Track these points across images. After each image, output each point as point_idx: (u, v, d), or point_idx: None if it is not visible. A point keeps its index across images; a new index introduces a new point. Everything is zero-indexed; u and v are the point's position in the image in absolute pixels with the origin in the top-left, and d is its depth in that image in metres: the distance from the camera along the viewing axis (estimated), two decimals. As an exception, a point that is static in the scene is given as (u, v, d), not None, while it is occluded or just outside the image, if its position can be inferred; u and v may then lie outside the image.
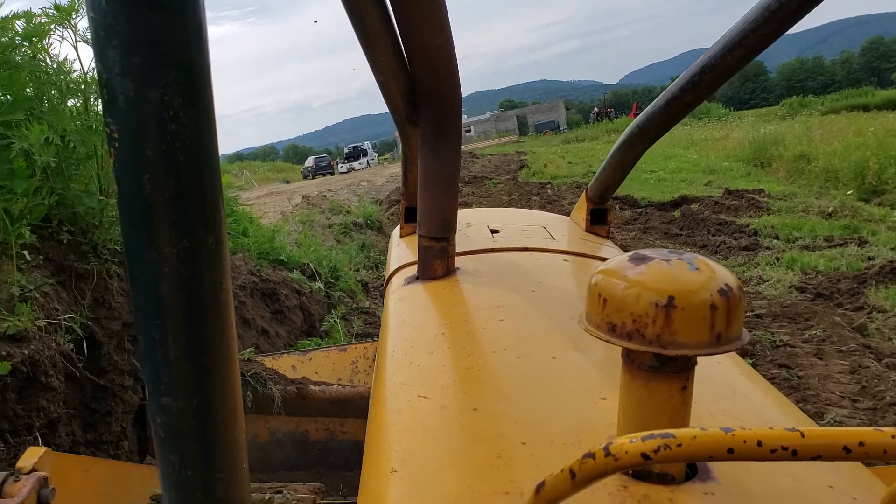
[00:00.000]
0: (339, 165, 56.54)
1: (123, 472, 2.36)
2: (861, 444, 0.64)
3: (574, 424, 1.05)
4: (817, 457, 0.65)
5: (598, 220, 2.94)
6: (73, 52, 3.66)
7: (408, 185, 2.62)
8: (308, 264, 6.19)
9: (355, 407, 3.27)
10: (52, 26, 3.15)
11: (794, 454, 0.65)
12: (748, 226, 10.50)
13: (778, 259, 8.47)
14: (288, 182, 43.95)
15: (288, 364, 3.85)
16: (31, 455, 1.73)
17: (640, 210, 13.37)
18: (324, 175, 49.61)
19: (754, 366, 4.98)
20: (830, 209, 11.32)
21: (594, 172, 2.89)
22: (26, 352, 2.53)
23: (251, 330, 4.97)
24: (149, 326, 0.61)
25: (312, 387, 3.42)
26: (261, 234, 6.10)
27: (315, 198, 14.74)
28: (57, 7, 3.14)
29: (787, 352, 5.44)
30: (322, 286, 5.95)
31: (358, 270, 7.47)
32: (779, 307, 6.53)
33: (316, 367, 3.81)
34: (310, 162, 56.37)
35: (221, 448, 0.69)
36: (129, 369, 3.38)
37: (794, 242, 9.37)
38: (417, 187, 2.07)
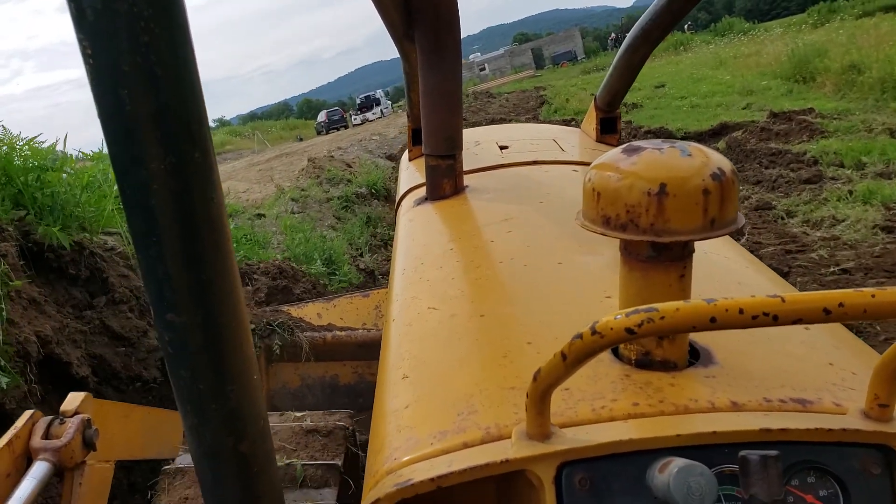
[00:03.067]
0: (353, 117, 54.90)
1: (161, 417, 2.38)
2: (841, 304, 0.66)
3: (579, 322, 0.92)
4: (798, 320, 0.67)
5: (608, 129, 2.88)
6: None
7: (412, 105, 2.56)
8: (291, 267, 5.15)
9: (380, 349, 3.09)
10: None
11: (775, 319, 0.67)
12: (805, 153, 9.20)
13: (851, 193, 7.25)
14: (301, 139, 42.87)
15: (313, 312, 3.90)
16: (74, 400, 1.77)
17: (676, 143, 12.08)
18: (337, 129, 48.23)
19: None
20: (899, 126, 9.91)
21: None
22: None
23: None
24: (146, 244, 0.60)
25: (339, 332, 3.50)
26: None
27: (322, 159, 13.70)
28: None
29: None
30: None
31: (361, 255, 6.37)
32: (869, 258, 5.43)
33: (340, 313, 3.88)
34: (322, 117, 54.66)
35: (230, 360, 0.68)
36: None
37: (864, 170, 8.10)
38: (420, 107, 2.02)
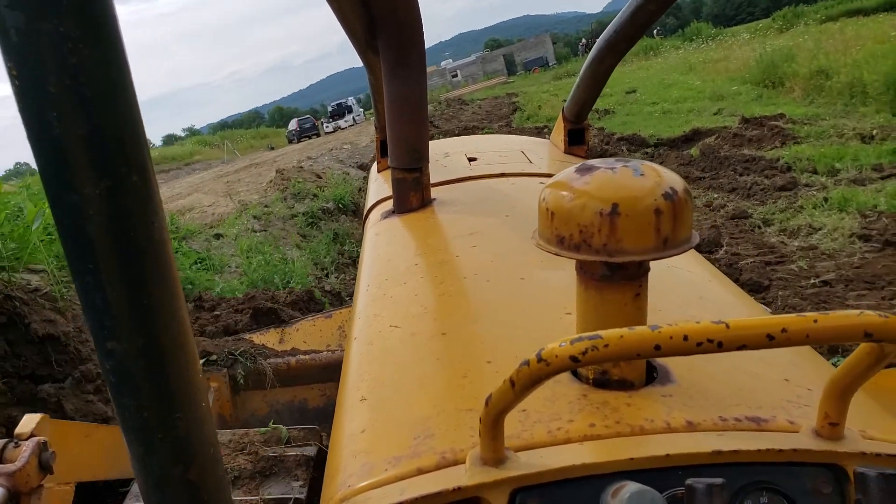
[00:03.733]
0: (325, 125, 54.36)
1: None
2: (783, 330, 0.67)
3: (539, 340, 0.91)
4: (742, 346, 0.68)
5: (576, 141, 2.88)
6: None
7: (379, 116, 2.57)
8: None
9: None
10: None
11: (719, 346, 0.67)
12: (779, 160, 9.15)
13: (826, 200, 7.18)
14: (273, 148, 42.27)
15: (275, 338, 3.84)
16: (29, 422, 1.74)
17: (650, 150, 12.01)
18: (309, 137, 47.69)
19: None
20: (870, 131, 9.92)
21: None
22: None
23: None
24: (82, 270, 0.58)
25: (302, 356, 3.45)
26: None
27: (291, 170, 13.37)
28: None
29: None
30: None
31: (327, 275, 5.98)
32: (849, 268, 5.31)
33: (304, 336, 3.83)
34: (293, 125, 53.91)
35: (175, 387, 0.66)
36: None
37: (837, 176, 8.06)
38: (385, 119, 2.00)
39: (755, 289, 5.13)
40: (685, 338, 0.67)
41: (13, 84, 0.53)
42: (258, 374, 3.36)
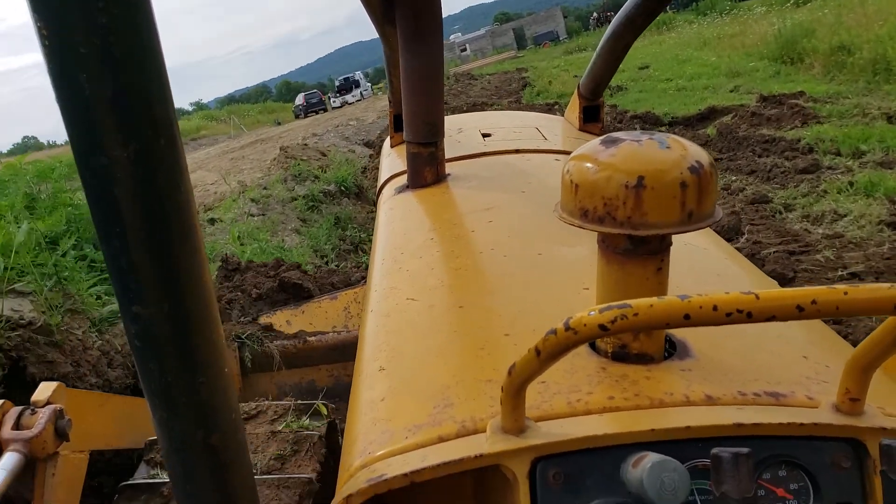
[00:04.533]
0: (332, 100, 53.79)
1: (137, 406, 2.31)
2: (813, 301, 0.66)
3: (557, 314, 0.95)
4: (772, 317, 0.67)
5: (591, 118, 2.86)
6: None
7: (393, 90, 2.53)
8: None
9: (354, 350, 3.14)
10: None
11: (748, 316, 0.67)
12: (800, 140, 8.76)
13: (851, 184, 6.83)
14: (279, 123, 41.88)
15: (282, 319, 3.82)
16: (45, 389, 1.75)
17: (664, 129, 11.62)
18: (316, 112, 47.19)
19: None
20: (896, 110, 9.51)
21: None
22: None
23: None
24: (109, 234, 0.58)
25: (310, 338, 3.48)
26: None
27: (295, 148, 13.07)
28: None
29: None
30: None
31: (327, 263, 5.61)
32: (879, 259, 5.01)
33: (310, 318, 3.83)
34: (300, 100, 53.30)
35: (199, 351, 0.66)
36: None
37: (863, 158, 7.68)
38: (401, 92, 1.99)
39: (779, 281, 4.85)
40: (714, 308, 0.67)
41: (43, 44, 0.52)
42: (266, 356, 3.41)
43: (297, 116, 48.58)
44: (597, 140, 0.95)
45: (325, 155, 13.17)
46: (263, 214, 6.82)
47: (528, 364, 0.76)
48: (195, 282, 0.63)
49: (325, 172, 9.17)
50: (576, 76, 23.41)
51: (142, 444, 2.26)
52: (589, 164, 0.92)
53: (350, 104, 45.86)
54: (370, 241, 7.33)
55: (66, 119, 0.54)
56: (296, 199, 7.42)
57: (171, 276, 0.61)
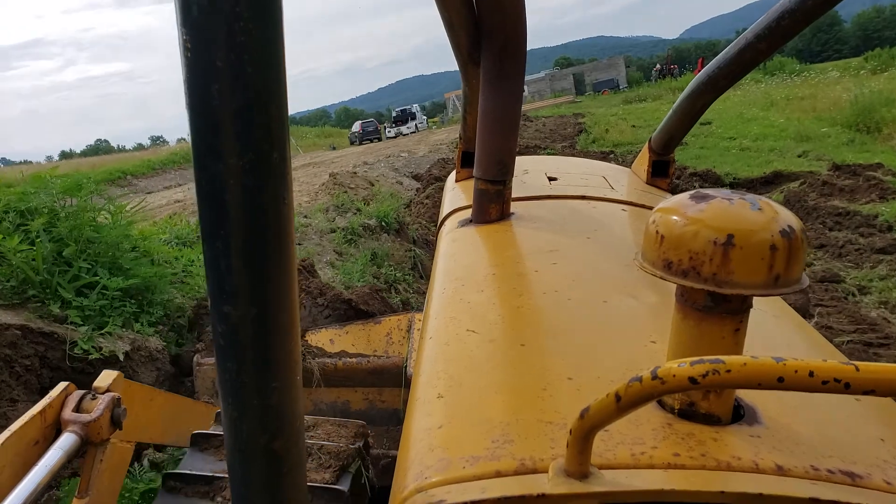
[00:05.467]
0: (387, 130, 54.51)
1: (181, 406, 2.39)
2: None
3: (622, 363, 1.02)
4: (871, 391, 0.64)
5: (659, 173, 2.87)
6: None
7: (466, 129, 2.63)
8: None
9: (392, 376, 3.38)
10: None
11: (846, 387, 0.64)
12: (877, 216, 8.14)
13: (937, 272, 6.22)
14: (334, 148, 42.51)
15: (326, 338, 3.88)
16: (106, 377, 1.83)
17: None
18: (371, 141, 47.83)
19: None
20: None
21: None
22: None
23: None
24: (213, 236, 0.61)
25: (349, 359, 3.51)
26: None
27: (344, 175, 12.98)
28: None
29: None
30: None
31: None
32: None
33: (352, 339, 3.84)
34: (356, 127, 54.15)
35: (277, 357, 0.69)
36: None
37: (949, 243, 7.04)
38: (476, 130, 2.04)
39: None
40: (811, 374, 0.64)
41: (185, 56, 0.55)
42: (305, 372, 3.39)
43: (351, 143, 49.32)
44: (685, 194, 0.95)
45: (372, 185, 13.03)
46: (300, 244, 6.57)
47: (603, 409, 0.76)
48: (284, 291, 0.66)
49: (369, 205, 8.92)
50: (633, 126, 22.95)
51: (184, 441, 2.29)
52: (676, 217, 0.91)
53: (404, 135, 46.28)
54: (405, 280, 7.13)
55: (192, 124, 0.58)
56: (335, 231, 7.16)
57: (264, 283, 0.64)
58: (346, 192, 11.13)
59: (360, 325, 3.99)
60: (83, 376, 3.27)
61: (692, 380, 0.67)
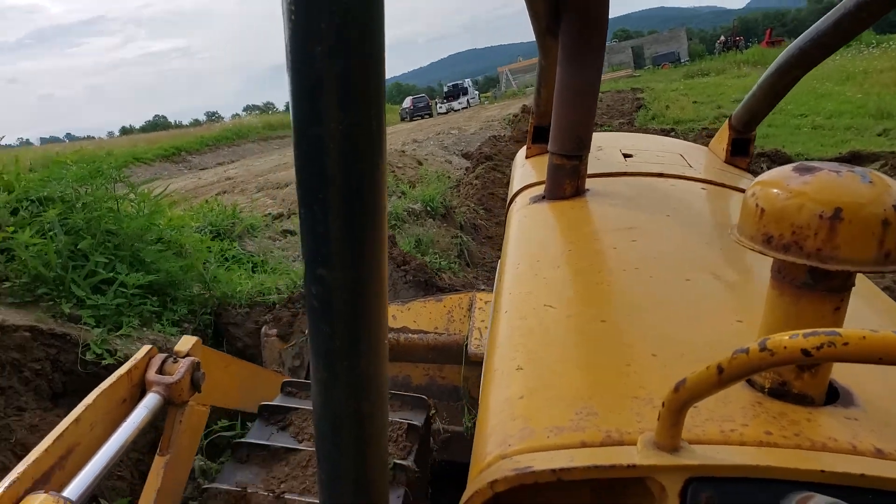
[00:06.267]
0: (438, 105, 53.98)
1: (254, 374, 2.48)
2: None
3: (708, 341, 0.99)
4: None
5: (739, 151, 2.80)
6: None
7: (540, 103, 2.57)
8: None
9: (452, 354, 3.42)
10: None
11: None
12: (974, 205, 7.33)
13: None
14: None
15: (388, 314, 2.95)
16: (186, 342, 1.92)
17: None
18: (421, 117, 47.49)
19: None
20: None
21: (726, 116, 2.89)
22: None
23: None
24: (311, 199, 0.62)
25: (411, 335, 3.56)
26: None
27: (392, 154, 12.70)
28: None
29: None
30: None
31: (397, 293, 5.10)
32: None
33: (414, 316, 3.90)
34: (407, 103, 53.75)
35: (367, 320, 0.69)
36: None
37: None
38: (553, 103, 2.00)
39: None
40: None
41: (288, 20, 0.55)
42: None
43: (402, 119, 49.04)
44: (788, 166, 0.92)
45: (420, 164, 12.71)
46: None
47: (702, 381, 0.75)
48: (376, 256, 0.66)
49: (415, 188, 8.58)
50: (695, 102, 21.84)
51: (255, 408, 2.34)
52: (778, 190, 0.88)
53: (456, 111, 45.70)
54: (450, 268, 6.80)
55: (293, 89, 0.57)
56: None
57: (358, 246, 0.64)
58: (392, 172, 10.83)
59: (421, 302, 4.00)
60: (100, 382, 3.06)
61: (805, 352, 0.65)
